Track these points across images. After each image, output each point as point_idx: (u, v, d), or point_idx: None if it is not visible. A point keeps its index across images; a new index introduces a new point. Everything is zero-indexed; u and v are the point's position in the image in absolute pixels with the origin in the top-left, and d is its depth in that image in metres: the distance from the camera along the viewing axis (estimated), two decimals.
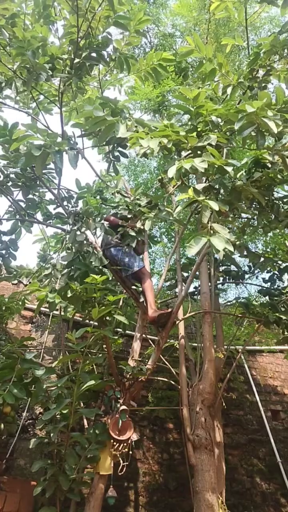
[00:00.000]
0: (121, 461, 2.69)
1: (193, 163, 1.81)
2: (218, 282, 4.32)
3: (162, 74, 3.00)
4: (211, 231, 1.68)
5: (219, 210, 1.78)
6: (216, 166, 1.91)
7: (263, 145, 1.98)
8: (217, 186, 2.16)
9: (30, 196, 3.00)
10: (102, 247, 3.07)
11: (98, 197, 3.01)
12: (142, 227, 2.76)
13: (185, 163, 1.84)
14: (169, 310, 2.88)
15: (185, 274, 4.39)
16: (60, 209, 3.13)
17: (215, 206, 1.70)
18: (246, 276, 4.27)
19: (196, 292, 4.48)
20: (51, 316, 4.34)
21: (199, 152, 2.04)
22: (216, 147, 2.01)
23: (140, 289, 3.04)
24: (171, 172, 1.87)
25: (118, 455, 2.68)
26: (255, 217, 2.57)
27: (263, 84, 2.49)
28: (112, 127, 2.11)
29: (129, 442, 2.72)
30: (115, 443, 2.65)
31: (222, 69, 2.58)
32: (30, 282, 3.63)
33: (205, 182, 2.26)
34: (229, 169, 1.93)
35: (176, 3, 5.57)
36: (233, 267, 4.26)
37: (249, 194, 2.17)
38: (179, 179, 2.02)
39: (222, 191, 2.22)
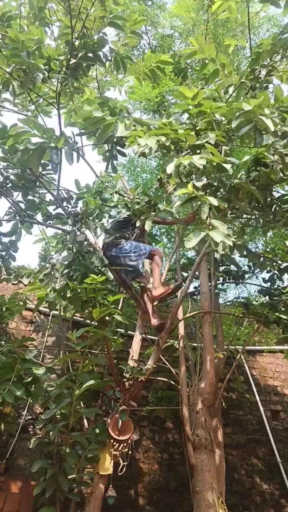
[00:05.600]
0: (121, 461, 2.70)
1: (192, 160, 1.82)
2: (218, 282, 4.33)
3: (159, 76, 3.00)
4: (210, 227, 1.69)
5: (218, 207, 1.78)
6: (215, 163, 1.91)
7: (261, 143, 1.98)
8: (216, 184, 2.16)
9: (30, 197, 3.01)
10: (103, 248, 3.09)
11: (97, 197, 3.01)
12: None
13: (184, 159, 1.84)
14: (172, 286, 2.94)
15: (185, 274, 4.39)
16: (60, 210, 3.14)
17: (214, 201, 1.71)
18: (246, 276, 4.27)
19: (196, 292, 4.48)
20: (51, 316, 4.34)
21: (198, 151, 2.04)
22: (215, 145, 2.02)
23: (139, 286, 3.07)
24: (170, 168, 1.87)
25: (118, 455, 2.68)
26: (254, 217, 2.57)
27: (264, 84, 2.48)
28: (110, 127, 2.11)
29: (129, 442, 2.73)
30: (115, 443, 2.65)
31: (225, 69, 2.58)
32: (30, 282, 3.64)
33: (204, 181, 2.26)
34: (228, 166, 1.94)
35: (175, 4, 5.58)
36: (233, 267, 4.26)
37: (248, 192, 2.17)
38: (177, 176, 2.03)
39: (221, 189, 2.22)
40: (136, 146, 2.02)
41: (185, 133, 2.03)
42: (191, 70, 5.21)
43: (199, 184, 1.94)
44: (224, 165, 1.92)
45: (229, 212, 2.38)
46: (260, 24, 5.74)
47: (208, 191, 2.14)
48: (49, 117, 3.23)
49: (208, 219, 1.70)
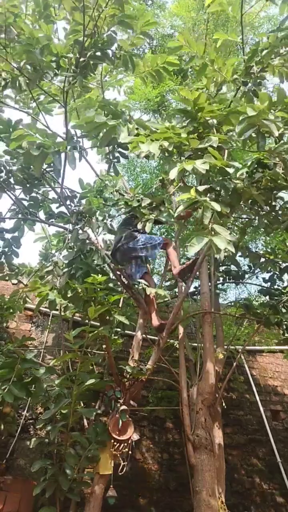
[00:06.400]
0: (121, 461, 2.69)
1: (195, 165, 1.81)
2: (218, 282, 4.32)
3: (164, 77, 2.98)
4: (212, 232, 1.69)
5: (220, 211, 1.78)
6: (218, 167, 1.91)
7: (263, 147, 1.98)
8: (218, 188, 2.16)
9: (33, 194, 3.01)
10: (117, 243, 3.07)
11: (99, 196, 3.01)
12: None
13: (187, 164, 1.84)
14: (190, 261, 3.03)
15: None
16: (62, 208, 3.13)
17: (217, 207, 1.71)
18: (246, 275, 4.27)
19: (196, 292, 4.48)
20: (51, 316, 4.33)
21: (200, 153, 2.03)
22: (217, 148, 2.01)
23: (141, 287, 3.07)
24: (173, 173, 1.87)
25: (118, 455, 2.68)
26: (256, 218, 2.55)
27: (258, 81, 2.46)
28: (113, 131, 2.11)
29: (129, 442, 2.72)
30: (115, 443, 2.65)
31: (214, 64, 2.56)
32: (30, 282, 3.62)
33: (205, 183, 2.25)
34: (230, 170, 1.94)
35: (175, 3, 5.58)
36: (233, 267, 4.26)
37: (250, 196, 2.17)
38: (180, 181, 2.03)
39: (222, 192, 2.21)
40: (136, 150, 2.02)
41: (188, 137, 2.02)
42: (191, 70, 5.20)
43: (201, 188, 1.94)
44: (227, 169, 1.92)
45: (231, 215, 2.37)
46: (260, 24, 5.74)
47: (210, 195, 2.14)
48: (50, 115, 3.20)
49: (210, 224, 1.70)
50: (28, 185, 2.81)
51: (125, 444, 2.69)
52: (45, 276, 2.98)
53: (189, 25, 5.45)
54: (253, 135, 1.97)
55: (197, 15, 5.27)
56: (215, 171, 1.97)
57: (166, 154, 2.10)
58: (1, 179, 2.68)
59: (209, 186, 2.10)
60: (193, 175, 2.38)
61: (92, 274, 2.41)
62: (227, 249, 1.63)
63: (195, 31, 5.36)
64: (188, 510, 3.47)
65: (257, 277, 4.43)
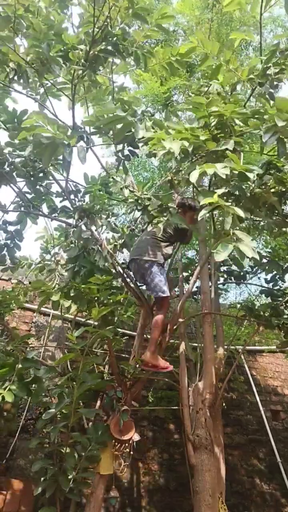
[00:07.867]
0: (122, 461, 2.68)
1: (215, 169, 1.79)
2: (218, 282, 4.31)
3: (177, 70, 2.90)
4: (235, 238, 1.67)
5: (239, 217, 1.75)
6: (237, 171, 1.88)
7: (283, 154, 1.96)
8: (236, 193, 2.13)
9: (37, 187, 2.98)
10: (135, 255, 2.85)
11: (103, 190, 2.97)
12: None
13: (207, 167, 1.80)
14: (163, 366, 2.73)
15: (185, 274, 4.38)
16: (66, 202, 3.10)
17: (240, 212, 1.68)
18: (247, 276, 4.25)
19: (197, 292, 4.47)
20: (51, 316, 4.31)
21: (214, 156, 2.01)
22: (232, 151, 1.99)
23: (143, 287, 3.03)
24: (194, 177, 1.82)
25: (119, 455, 2.67)
26: (266, 221, 2.52)
27: (275, 83, 2.43)
28: (128, 126, 2.07)
29: (130, 442, 2.71)
30: (116, 444, 2.64)
31: (230, 64, 2.51)
32: (30, 282, 3.59)
33: (209, 185, 2.24)
34: (251, 175, 1.91)
35: (179, 1, 5.53)
36: (234, 267, 4.24)
37: (265, 200, 2.14)
38: (199, 185, 2.00)
39: (240, 197, 2.18)
40: (146, 147, 1.99)
41: (206, 140, 1.99)
42: (197, 66, 5.17)
43: (219, 192, 1.91)
44: (247, 173, 1.89)
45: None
46: (264, 24, 5.71)
47: (229, 200, 2.10)
48: (59, 100, 3.13)
49: (231, 230, 1.68)
50: (32, 178, 2.78)
51: (126, 444, 2.68)
52: (48, 274, 2.95)
53: (192, 23, 5.42)
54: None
55: (201, 14, 5.24)
56: (233, 176, 1.94)
57: (182, 155, 2.06)
58: (4, 171, 2.64)
59: (226, 190, 2.07)
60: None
61: (95, 273, 2.39)
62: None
63: (199, 30, 5.31)
64: (188, 510, 3.46)
65: (258, 278, 4.41)
